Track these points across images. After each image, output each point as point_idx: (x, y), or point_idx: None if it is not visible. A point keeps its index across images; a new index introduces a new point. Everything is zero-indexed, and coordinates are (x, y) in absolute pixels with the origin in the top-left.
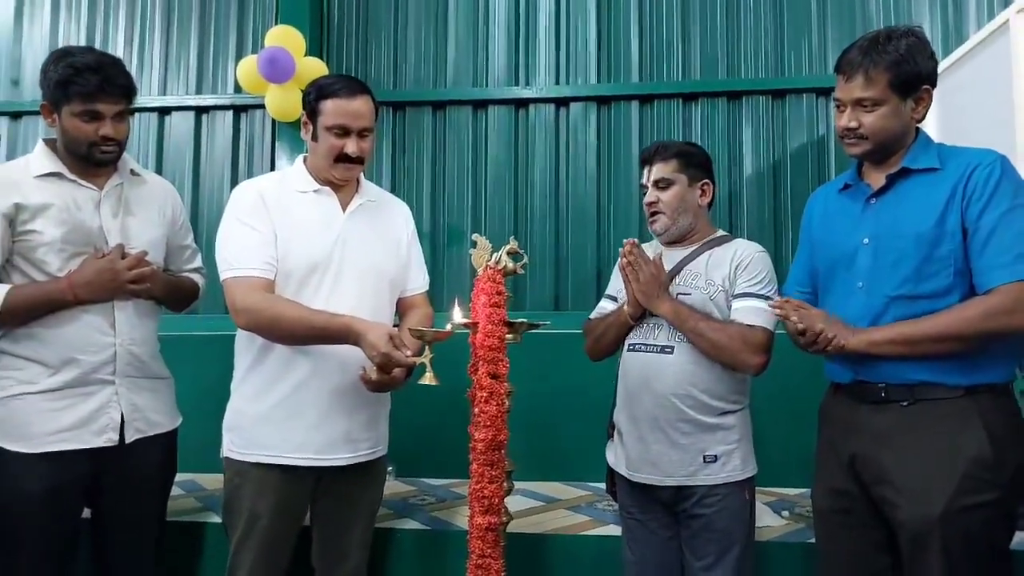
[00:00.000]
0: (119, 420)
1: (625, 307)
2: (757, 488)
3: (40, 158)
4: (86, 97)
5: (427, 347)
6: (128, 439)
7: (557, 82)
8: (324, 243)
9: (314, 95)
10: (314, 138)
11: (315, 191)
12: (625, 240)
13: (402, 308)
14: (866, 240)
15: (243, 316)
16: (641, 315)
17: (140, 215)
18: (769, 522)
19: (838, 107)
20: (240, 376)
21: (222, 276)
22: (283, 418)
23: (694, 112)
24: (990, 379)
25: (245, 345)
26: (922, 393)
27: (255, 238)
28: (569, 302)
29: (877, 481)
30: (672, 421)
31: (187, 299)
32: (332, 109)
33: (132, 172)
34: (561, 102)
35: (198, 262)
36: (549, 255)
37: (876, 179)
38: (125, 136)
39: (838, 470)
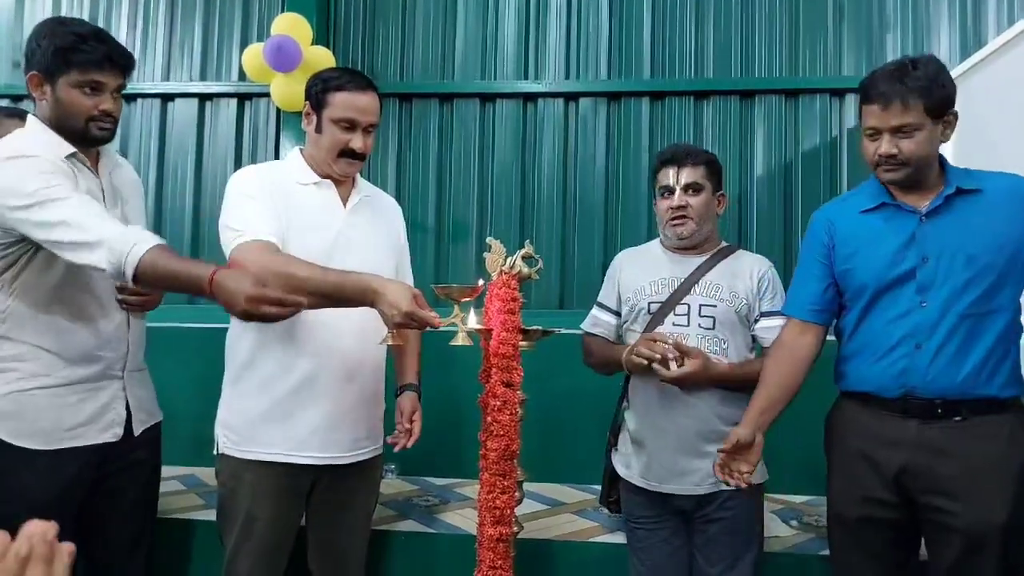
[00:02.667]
0: (124, 415)
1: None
2: (765, 495)
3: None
4: (90, 66)
5: (456, 306)
6: (136, 432)
7: (567, 77)
8: (325, 237)
9: (321, 86)
10: (318, 130)
11: (315, 183)
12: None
13: None
14: (926, 258)
15: None
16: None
17: (132, 203)
18: (779, 532)
19: (870, 136)
20: (235, 372)
21: (229, 247)
22: (284, 415)
23: (706, 110)
24: None
25: (239, 339)
26: (975, 408)
27: (265, 210)
28: (575, 300)
29: (928, 491)
30: (704, 432)
31: None
32: (341, 102)
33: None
34: (571, 97)
35: None
36: (555, 252)
37: (918, 199)
38: (119, 115)
39: (876, 480)
